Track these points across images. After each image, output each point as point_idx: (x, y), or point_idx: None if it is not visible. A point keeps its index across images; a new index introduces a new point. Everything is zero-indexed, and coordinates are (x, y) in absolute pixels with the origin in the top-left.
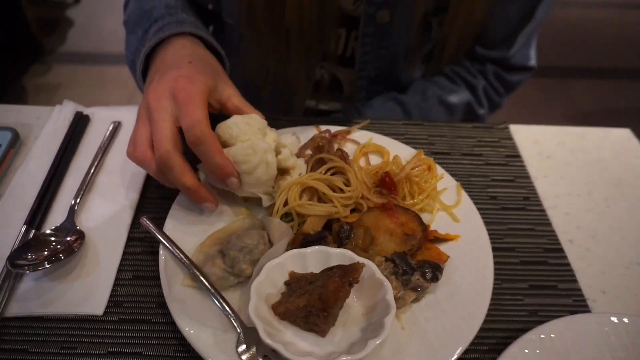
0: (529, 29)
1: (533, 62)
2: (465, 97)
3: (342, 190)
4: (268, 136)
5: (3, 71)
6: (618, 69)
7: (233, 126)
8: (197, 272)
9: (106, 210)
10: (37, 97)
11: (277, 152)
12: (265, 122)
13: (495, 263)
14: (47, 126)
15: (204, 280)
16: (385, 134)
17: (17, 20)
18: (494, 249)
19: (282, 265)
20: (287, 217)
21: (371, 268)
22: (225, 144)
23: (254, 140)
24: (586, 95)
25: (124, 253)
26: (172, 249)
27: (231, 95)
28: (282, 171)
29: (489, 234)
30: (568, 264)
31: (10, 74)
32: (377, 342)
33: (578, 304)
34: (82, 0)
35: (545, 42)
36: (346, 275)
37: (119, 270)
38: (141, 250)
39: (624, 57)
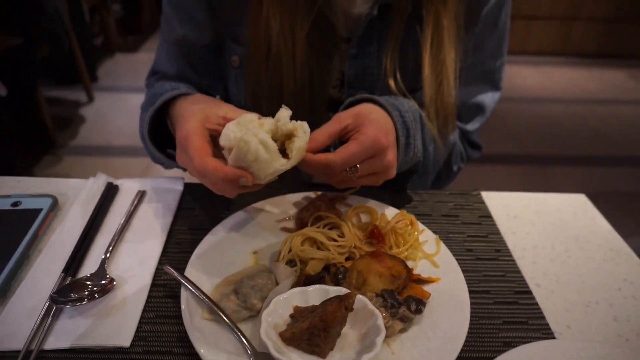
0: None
1: (481, 145)
2: (456, 138)
3: (337, 242)
4: (265, 124)
5: (16, 162)
6: (590, 156)
7: (227, 132)
8: (214, 307)
9: (133, 262)
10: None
11: (276, 125)
12: (255, 115)
13: (473, 303)
14: (82, 194)
15: (221, 313)
16: (374, 199)
17: (34, 118)
18: (471, 292)
19: (287, 300)
20: (291, 263)
21: (364, 300)
22: (231, 151)
23: (242, 133)
24: (563, 179)
25: (148, 297)
26: (192, 288)
27: (226, 112)
28: (289, 136)
29: (466, 280)
30: (536, 304)
31: (22, 165)
32: (370, 356)
33: (546, 336)
34: (95, 99)
35: (524, 134)
36: (342, 301)
37: (144, 311)
38: (163, 295)
39: (592, 145)
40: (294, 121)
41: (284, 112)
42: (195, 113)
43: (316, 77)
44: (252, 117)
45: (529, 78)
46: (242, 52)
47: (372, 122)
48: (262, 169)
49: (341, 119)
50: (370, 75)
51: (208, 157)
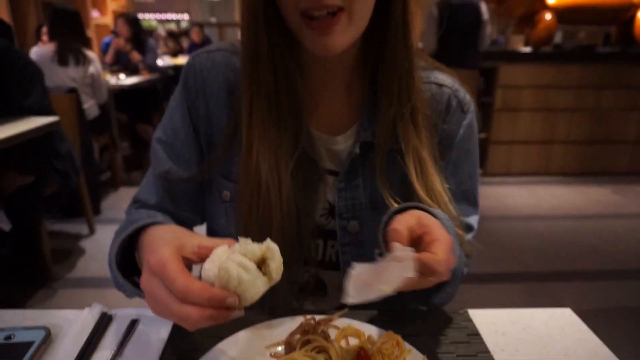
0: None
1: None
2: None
3: None
4: (234, 253)
5: (10, 297)
6: (588, 271)
7: (208, 272)
8: None
9: None
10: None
11: (244, 254)
12: (225, 246)
13: None
14: (75, 325)
15: None
16: (361, 320)
17: (33, 252)
18: None
19: None
20: None
21: None
22: None
23: (218, 265)
24: (564, 294)
25: None
26: None
27: (199, 241)
28: (262, 261)
29: None
30: None
31: (17, 299)
32: None
33: None
34: (96, 231)
35: (521, 252)
36: None
37: None
38: None
39: (588, 260)
40: (258, 244)
41: (245, 241)
42: (169, 241)
43: (302, 209)
44: (223, 249)
45: (517, 197)
46: (233, 187)
47: (441, 239)
48: (247, 290)
49: (409, 228)
50: (359, 205)
51: (191, 278)
